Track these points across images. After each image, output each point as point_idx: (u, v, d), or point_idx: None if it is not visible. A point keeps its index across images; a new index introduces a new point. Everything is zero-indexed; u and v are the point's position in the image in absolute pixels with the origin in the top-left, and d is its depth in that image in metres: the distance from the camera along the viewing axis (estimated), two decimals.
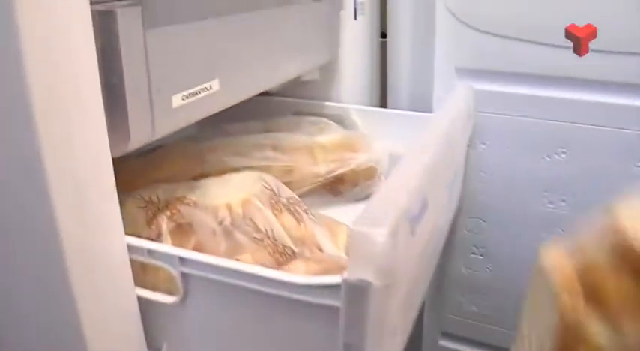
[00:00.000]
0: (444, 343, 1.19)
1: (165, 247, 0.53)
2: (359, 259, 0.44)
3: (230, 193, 0.65)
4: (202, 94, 0.59)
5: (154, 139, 0.55)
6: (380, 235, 0.43)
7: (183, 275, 0.53)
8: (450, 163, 0.76)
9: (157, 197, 0.64)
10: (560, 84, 0.90)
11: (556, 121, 0.92)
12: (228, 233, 0.60)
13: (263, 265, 0.56)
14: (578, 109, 0.90)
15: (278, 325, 0.52)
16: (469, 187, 1.02)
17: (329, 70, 1.01)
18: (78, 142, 0.45)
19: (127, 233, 0.55)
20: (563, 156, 0.94)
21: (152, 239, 0.61)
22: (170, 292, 0.56)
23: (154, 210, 0.63)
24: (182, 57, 0.57)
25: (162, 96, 0.54)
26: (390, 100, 1.04)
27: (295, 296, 0.48)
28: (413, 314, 0.70)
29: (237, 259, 0.58)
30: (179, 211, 0.61)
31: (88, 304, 0.49)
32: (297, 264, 0.58)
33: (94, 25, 0.45)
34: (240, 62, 0.67)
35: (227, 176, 0.70)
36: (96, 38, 0.46)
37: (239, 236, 0.60)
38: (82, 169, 0.46)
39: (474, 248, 1.07)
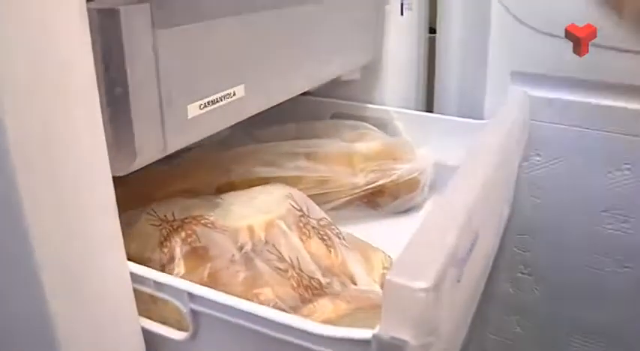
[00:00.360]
0: None
1: (175, 280, 0.47)
2: (394, 314, 0.37)
3: (253, 213, 0.58)
4: (224, 101, 0.52)
5: (165, 154, 0.48)
6: (421, 289, 0.36)
7: (193, 312, 0.46)
8: (505, 182, 0.67)
9: (173, 214, 0.57)
10: (624, 93, 0.81)
11: (620, 133, 0.84)
12: (248, 261, 0.53)
13: (285, 301, 0.49)
14: None
15: None
16: (520, 201, 0.93)
17: (371, 69, 0.93)
18: (67, 165, 0.38)
19: (137, 254, 0.50)
20: (627, 172, 0.85)
21: (164, 264, 0.54)
22: (180, 326, 0.49)
23: (169, 229, 0.56)
24: (200, 61, 0.49)
25: (175, 106, 0.47)
26: (436, 103, 0.96)
27: (317, 348, 0.41)
28: None
29: (257, 294, 0.51)
30: (195, 232, 0.55)
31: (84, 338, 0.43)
32: (324, 303, 0.51)
33: (94, 26, 0.38)
34: (270, 65, 0.59)
35: (252, 192, 0.62)
36: (96, 41, 0.39)
37: (260, 265, 0.53)
38: (72, 194, 0.39)
39: (521, 267, 0.99)
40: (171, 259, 0.54)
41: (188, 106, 0.48)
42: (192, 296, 0.45)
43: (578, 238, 0.91)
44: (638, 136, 0.82)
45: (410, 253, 0.40)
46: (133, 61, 0.42)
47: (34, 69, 0.34)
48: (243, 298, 0.46)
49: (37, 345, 0.42)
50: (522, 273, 0.99)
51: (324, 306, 0.50)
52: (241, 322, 0.44)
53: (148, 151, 0.46)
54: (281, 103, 0.64)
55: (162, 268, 0.54)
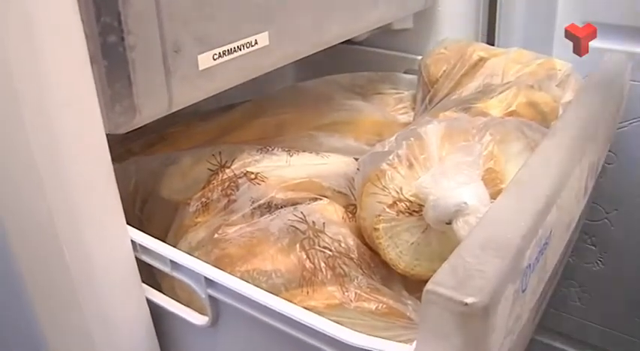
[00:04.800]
0: (537, 336, 1.05)
1: (192, 261, 0.42)
2: (435, 332, 0.30)
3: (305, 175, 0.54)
4: (243, 51, 0.46)
5: (172, 111, 0.43)
6: (471, 306, 0.29)
7: (212, 299, 0.42)
8: (595, 161, 0.58)
9: (232, 162, 0.54)
10: None
11: None
12: (264, 218, 0.49)
13: (282, 276, 0.46)
14: None
15: None
16: None
17: (425, 18, 0.84)
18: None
19: (182, 194, 0.51)
20: None
21: (198, 209, 0.52)
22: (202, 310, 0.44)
23: (221, 177, 0.53)
24: (213, 2, 0.43)
25: (183, 56, 0.41)
26: None
27: None
28: None
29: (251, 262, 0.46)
30: (238, 186, 0.52)
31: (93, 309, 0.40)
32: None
33: None
34: (301, 8, 0.53)
35: (319, 158, 0.58)
36: None
37: (275, 224, 0.49)
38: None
39: (585, 236, 0.92)
40: (205, 207, 0.52)
41: (199, 56, 0.43)
42: (210, 282, 0.41)
43: None
44: None
45: (461, 259, 0.32)
46: (128, 1, 0.36)
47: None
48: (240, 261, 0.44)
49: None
50: (586, 243, 0.92)
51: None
52: (258, 315, 0.39)
53: (151, 107, 0.41)
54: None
55: (194, 214, 0.52)
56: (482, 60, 0.71)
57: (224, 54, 0.45)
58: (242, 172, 0.54)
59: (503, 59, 0.71)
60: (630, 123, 0.80)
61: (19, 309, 0.40)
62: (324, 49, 0.59)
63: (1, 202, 0.36)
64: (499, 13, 0.85)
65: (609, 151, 0.82)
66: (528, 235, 0.35)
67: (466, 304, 0.29)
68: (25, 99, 0.33)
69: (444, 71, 0.72)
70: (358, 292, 0.46)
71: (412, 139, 0.50)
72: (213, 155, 0.56)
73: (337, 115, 0.69)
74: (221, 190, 0.53)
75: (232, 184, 0.53)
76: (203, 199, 0.53)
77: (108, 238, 0.40)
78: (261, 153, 0.57)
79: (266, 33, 0.48)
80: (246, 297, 0.39)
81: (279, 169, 0.55)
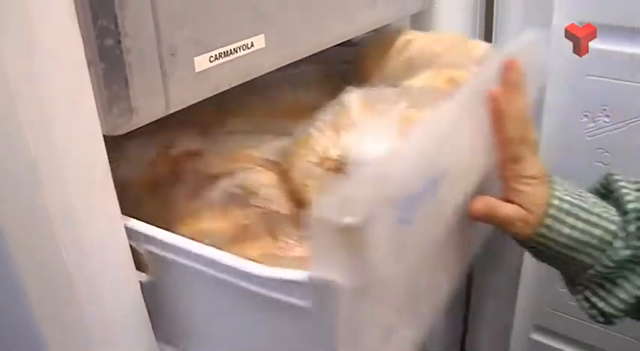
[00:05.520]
0: (536, 336, 1.07)
1: (134, 222, 0.45)
2: (322, 253, 0.35)
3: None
4: (240, 53, 0.47)
5: (169, 112, 0.43)
6: (348, 226, 0.33)
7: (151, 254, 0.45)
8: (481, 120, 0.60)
9: None
10: None
11: None
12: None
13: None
14: None
15: (247, 317, 0.44)
16: (582, 166, 0.85)
17: (422, 20, 0.85)
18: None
19: None
20: None
21: None
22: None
23: None
24: (209, 5, 0.44)
25: (179, 58, 0.42)
26: None
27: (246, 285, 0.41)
28: (429, 306, 0.58)
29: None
30: None
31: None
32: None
33: None
34: (298, 10, 0.53)
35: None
36: None
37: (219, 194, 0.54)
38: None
39: None
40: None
41: (195, 59, 0.43)
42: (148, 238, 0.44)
43: None
44: None
45: (342, 188, 0.36)
46: (125, 4, 0.37)
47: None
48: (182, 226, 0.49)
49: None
50: None
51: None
52: (191, 264, 0.43)
53: (148, 108, 0.41)
54: None
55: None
56: (409, 42, 0.75)
57: (220, 56, 0.45)
58: (184, 151, 0.59)
59: (427, 41, 0.75)
60: (627, 123, 0.81)
61: (17, 307, 0.41)
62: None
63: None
64: (496, 13, 0.85)
65: (606, 151, 0.83)
66: (409, 170, 0.41)
67: (344, 224, 0.33)
68: (24, 101, 0.33)
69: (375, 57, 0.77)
70: (288, 241, 0.53)
71: (337, 106, 0.57)
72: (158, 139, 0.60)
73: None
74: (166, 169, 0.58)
75: (176, 163, 0.58)
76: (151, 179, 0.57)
77: (104, 236, 0.40)
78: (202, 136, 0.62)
79: (262, 35, 0.48)
80: (183, 249, 0.43)
81: (218, 146, 0.59)
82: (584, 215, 0.54)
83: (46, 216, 0.37)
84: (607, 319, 0.57)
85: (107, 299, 0.43)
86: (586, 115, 0.83)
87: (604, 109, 0.81)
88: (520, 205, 0.54)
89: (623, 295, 0.55)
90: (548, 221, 0.53)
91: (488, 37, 0.88)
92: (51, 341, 0.42)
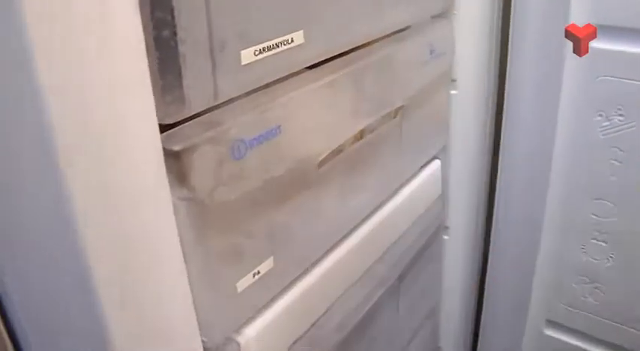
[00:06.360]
0: (549, 332, 1.08)
1: None
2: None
3: None
4: (281, 48, 0.49)
5: (217, 102, 0.46)
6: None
7: None
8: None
9: None
10: None
11: None
12: None
13: None
14: None
15: None
16: (597, 164, 0.87)
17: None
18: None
19: None
20: None
21: None
22: None
23: None
24: (255, 2, 0.46)
25: (228, 51, 0.44)
26: (510, 60, 0.89)
27: None
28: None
29: None
30: None
31: None
32: None
33: None
34: (333, 9, 0.55)
35: None
36: None
37: None
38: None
39: (596, 233, 0.93)
40: None
41: (242, 52, 0.45)
42: None
43: None
44: None
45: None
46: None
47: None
48: None
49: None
50: (597, 240, 0.93)
51: None
52: None
53: (198, 97, 0.43)
54: None
55: None
56: None
57: (264, 50, 0.47)
58: None
59: None
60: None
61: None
62: None
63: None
64: (513, 16, 0.87)
65: (619, 149, 0.85)
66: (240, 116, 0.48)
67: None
68: (94, 87, 0.35)
69: None
70: None
71: None
72: None
73: None
74: None
75: None
76: None
77: (158, 217, 0.42)
78: None
79: (301, 31, 0.51)
80: None
81: None
82: None
83: (107, 196, 0.39)
84: None
85: None
86: (600, 115, 0.85)
87: (618, 109, 0.84)
88: None
89: None
90: None
91: (504, 39, 0.90)
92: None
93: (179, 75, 0.41)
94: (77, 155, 0.35)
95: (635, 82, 0.81)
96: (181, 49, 0.40)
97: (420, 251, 0.92)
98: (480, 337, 1.18)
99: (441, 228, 1.02)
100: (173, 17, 0.39)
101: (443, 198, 0.98)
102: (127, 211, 0.39)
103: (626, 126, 0.84)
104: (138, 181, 0.39)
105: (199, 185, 0.44)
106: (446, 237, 1.05)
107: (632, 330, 0.97)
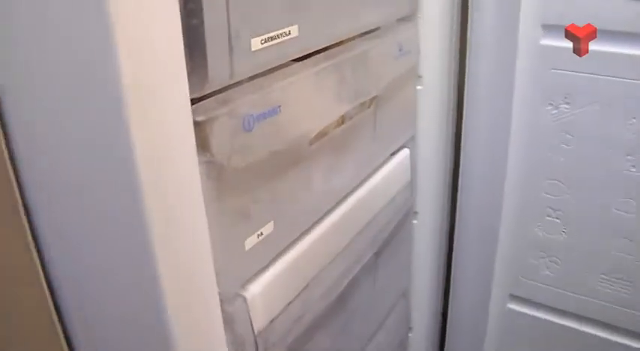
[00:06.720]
0: (512, 306, 1.18)
1: None
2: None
3: None
4: (281, 39, 0.58)
5: (232, 82, 0.55)
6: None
7: None
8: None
9: None
10: None
11: None
12: None
13: None
14: None
15: None
16: (550, 148, 0.98)
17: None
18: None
19: None
20: None
21: None
22: None
23: None
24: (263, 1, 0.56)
25: (242, 39, 0.53)
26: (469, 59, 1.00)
27: None
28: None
29: None
30: None
31: None
32: None
33: None
34: (320, 9, 0.65)
35: None
36: None
37: None
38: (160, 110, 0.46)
39: (550, 211, 1.04)
40: None
41: (252, 40, 0.55)
42: None
43: (605, 181, 0.96)
44: None
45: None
46: None
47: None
48: None
49: None
50: (551, 217, 1.04)
51: None
52: None
53: (218, 77, 0.52)
54: None
55: None
56: None
57: (268, 40, 0.57)
58: None
59: None
60: (583, 109, 0.94)
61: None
62: None
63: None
64: (470, 19, 0.97)
65: (567, 133, 0.96)
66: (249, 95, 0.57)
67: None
68: (141, 60, 0.44)
69: None
70: None
71: None
72: None
73: None
74: None
75: None
76: None
77: (191, 173, 0.51)
78: None
79: (296, 26, 0.60)
80: None
81: None
82: None
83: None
84: None
85: None
86: (550, 104, 0.96)
87: (565, 98, 0.95)
88: None
89: None
90: None
91: (463, 41, 1.01)
92: None
93: (204, 58, 0.50)
94: (141, 119, 0.44)
95: (578, 73, 0.92)
96: (207, 36, 0.49)
97: (393, 233, 1.02)
98: (448, 316, 1.27)
99: (411, 213, 1.12)
100: (202, 9, 0.48)
101: (412, 185, 1.08)
102: (170, 165, 0.48)
103: (572, 113, 0.95)
104: (177, 140, 0.48)
105: (217, 151, 0.53)
106: (415, 222, 1.15)
107: (586, 298, 1.07)
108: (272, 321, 0.69)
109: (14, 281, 0.55)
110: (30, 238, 0.53)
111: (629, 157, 0.93)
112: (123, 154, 0.44)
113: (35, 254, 0.54)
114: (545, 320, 1.14)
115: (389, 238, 1.00)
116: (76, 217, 0.51)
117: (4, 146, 0.49)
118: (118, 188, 0.47)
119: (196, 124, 0.51)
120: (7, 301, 0.54)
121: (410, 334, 1.29)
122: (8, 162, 0.50)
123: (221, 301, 0.60)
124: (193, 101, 0.51)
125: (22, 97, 0.47)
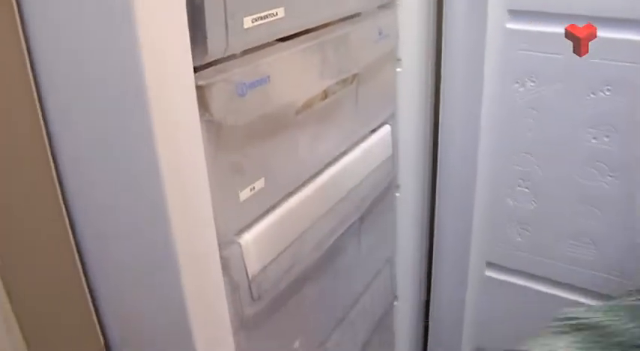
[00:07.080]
0: (490, 273, 1.26)
1: None
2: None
3: None
4: (269, 19, 0.68)
5: (227, 54, 0.64)
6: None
7: None
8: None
9: None
10: (608, 24, 0.94)
11: (603, 59, 0.96)
12: None
13: None
14: (623, 49, 0.94)
15: None
16: (518, 123, 1.08)
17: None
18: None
19: None
20: (608, 93, 0.98)
21: None
22: None
23: None
24: None
25: (236, 17, 0.63)
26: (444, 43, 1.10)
27: None
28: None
29: None
30: None
31: None
32: None
33: None
34: None
35: None
36: None
37: None
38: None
39: (520, 181, 1.13)
40: None
41: (244, 19, 0.65)
42: None
43: (569, 153, 1.05)
44: (619, 62, 0.96)
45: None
46: None
47: None
48: None
49: None
50: (521, 187, 1.13)
51: None
52: None
53: (216, 49, 0.62)
54: None
55: None
56: None
57: (258, 19, 0.66)
58: None
59: None
60: (548, 86, 1.04)
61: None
62: None
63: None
64: (445, 6, 1.07)
65: (533, 109, 1.06)
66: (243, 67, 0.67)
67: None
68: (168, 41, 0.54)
69: None
70: None
71: None
72: None
73: None
74: None
75: None
76: None
77: (195, 129, 0.61)
78: None
79: (283, 8, 0.70)
80: None
81: None
82: None
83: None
84: None
85: None
86: (517, 82, 1.06)
87: (530, 77, 1.04)
88: None
89: None
90: None
91: (439, 23, 1.11)
92: None
93: (204, 31, 0.60)
94: (156, 80, 0.54)
95: (542, 54, 1.01)
96: (207, 15, 0.59)
97: (376, 201, 1.12)
98: (431, 285, 1.35)
99: (393, 185, 1.22)
100: None
101: (394, 159, 1.18)
102: (178, 120, 0.58)
103: (536, 90, 1.04)
104: (183, 100, 0.58)
105: (215, 111, 0.63)
106: (397, 194, 1.25)
107: (556, 262, 1.15)
108: (264, 268, 0.79)
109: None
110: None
111: (590, 130, 1.02)
112: (141, 109, 0.54)
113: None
114: (519, 285, 1.22)
115: (371, 206, 1.10)
116: (100, 165, 0.61)
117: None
118: (137, 140, 0.57)
119: (198, 88, 0.60)
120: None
121: (395, 303, 1.38)
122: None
123: (219, 245, 0.70)
124: (196, 70, 0.61)
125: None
